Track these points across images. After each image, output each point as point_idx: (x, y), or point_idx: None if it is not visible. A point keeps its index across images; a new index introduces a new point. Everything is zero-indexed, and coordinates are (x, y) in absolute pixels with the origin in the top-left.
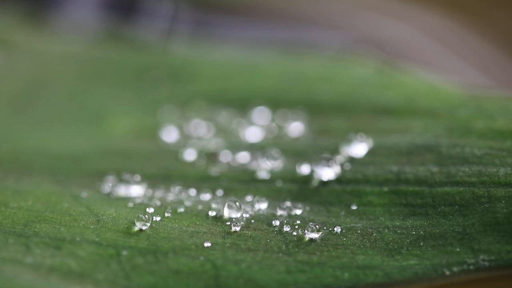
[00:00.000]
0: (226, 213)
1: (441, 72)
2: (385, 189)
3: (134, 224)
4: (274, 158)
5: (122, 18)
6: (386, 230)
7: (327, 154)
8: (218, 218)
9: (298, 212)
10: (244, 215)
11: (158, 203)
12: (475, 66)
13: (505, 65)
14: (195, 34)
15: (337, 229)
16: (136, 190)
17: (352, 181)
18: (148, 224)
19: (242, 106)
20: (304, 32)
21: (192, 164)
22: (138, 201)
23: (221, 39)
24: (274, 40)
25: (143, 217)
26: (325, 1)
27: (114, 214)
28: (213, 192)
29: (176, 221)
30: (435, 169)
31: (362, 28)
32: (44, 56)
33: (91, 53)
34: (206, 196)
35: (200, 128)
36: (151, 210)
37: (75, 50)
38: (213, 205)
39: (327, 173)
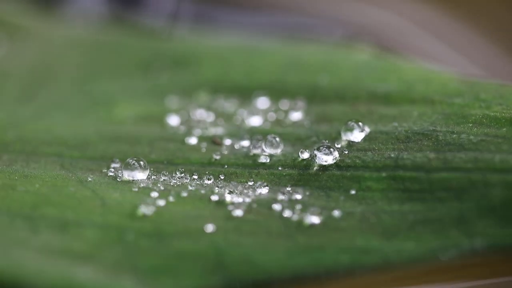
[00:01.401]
0: (228, 197)
1: (436, 63)
2: (384, 174)
3: (138, 208)
4: (275, 144)
5: (125, 10)
6: (384, 215)
7: (326, 140)
8: (221, 203)
9: (299, 196)
10: (245, 200)
11: (162, 187)
12: (467, 58)
13: (498, 58)
14: (197, 26)
15: (337, 214)
16: (140, 175)
17: (351, 167)
18: (153, 208)
19: (244, 93)
20: (303, 25)
21: (195, 150)
22: (143, 185)
23: (223, 30)
24: (275, 30)
25: (147, 201)
26: None
27: (119, 198)
28: (215, 176)
29: (180, 205)
30: (432, 155)
31: (360, 19)
32: (51, 41)
33: (97, 39)
34: (209, 181)
35: (203, 115)
36: (155, 194)
37: (81, 36)
38: (216, 190)
39: (327, 158)
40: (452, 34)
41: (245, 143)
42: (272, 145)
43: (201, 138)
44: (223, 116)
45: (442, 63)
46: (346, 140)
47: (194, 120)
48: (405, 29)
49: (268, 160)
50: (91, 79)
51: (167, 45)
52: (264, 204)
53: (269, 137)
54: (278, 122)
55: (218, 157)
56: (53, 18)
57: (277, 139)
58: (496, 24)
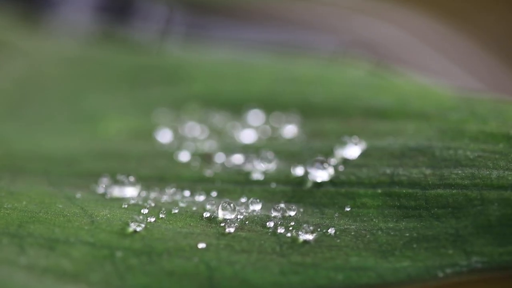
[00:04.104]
0: (221, 214)
1: (433, 75)
2: (379, 191)
3: (128, 225)
4: (268, 160)
5: (116, 20)
6: (380, 232)
7: (321, 156)
8: (212, 220)
9: (292, 213)
10: (238, 217)
11: (153, 204)
12: (466, 70)
13: (495, 68)
14: (189, 37)
15: (331, 231)
16: (130, 191)
17: (346, 183)
18: (143, 225)
19: (237, 108)
20: (298, 35)
21: (186, 165)
22: (133, 202)
23: (215, 41)
24: (269, 42)
25: (137, 218)
26: (320, 5)
27: (108, 215)
28: (207, 193)
29: (171, 222)
30: (428, 171)
31: (355, 31)
32: (37, 56)
33: (84, 54)
34: (201, 198)
35: (194, 130)
36: (145, 211)
37: (68, 50)
38: (208, 206)
39: (321, 175)
40: (450, 46)
41: (238, 159)
42: (265, 161)
43: (192, 154)
44: (214, 131)
45: (440, 75)
46: (341, 156)
47: (185, 136)
48: (403, 41)
49: (261, 177)
50: (79, 94)
51: (157, 59)
52: (257, 221)
53: (262, 153)
54: (271, 138)
55: (210, 174)
56: (40, 32)
57: (270, 155)
58: (495, 36)
